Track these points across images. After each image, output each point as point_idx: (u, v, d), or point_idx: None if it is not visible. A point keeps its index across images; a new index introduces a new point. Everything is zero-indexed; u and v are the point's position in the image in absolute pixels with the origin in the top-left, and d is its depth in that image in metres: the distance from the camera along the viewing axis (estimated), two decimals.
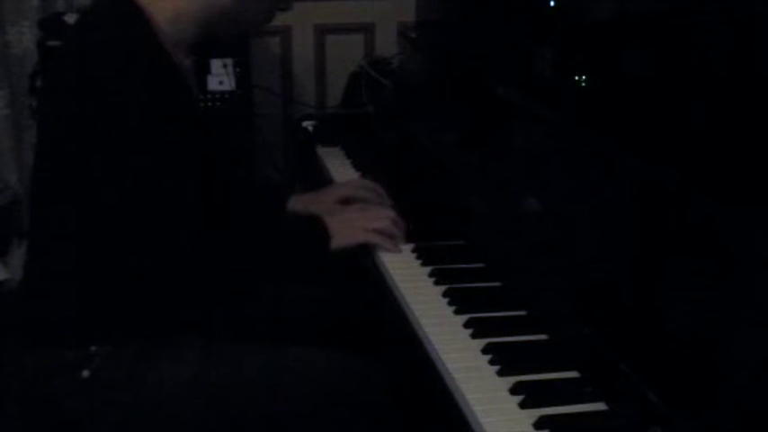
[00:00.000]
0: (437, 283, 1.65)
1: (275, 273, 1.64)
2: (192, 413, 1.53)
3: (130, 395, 1.52)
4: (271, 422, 1.55)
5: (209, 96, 2.89)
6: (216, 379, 1.55)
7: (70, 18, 2.88)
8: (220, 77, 2.89)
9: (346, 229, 1.71)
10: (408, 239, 1.80)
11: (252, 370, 1.57)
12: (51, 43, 2.81)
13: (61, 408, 1.53)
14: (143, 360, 1.54)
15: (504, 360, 1.37)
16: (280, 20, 1.85)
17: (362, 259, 1.77)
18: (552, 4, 1.90)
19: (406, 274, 1.69)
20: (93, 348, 1.52)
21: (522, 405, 1.27)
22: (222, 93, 2.91)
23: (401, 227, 1.79)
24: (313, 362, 1.60)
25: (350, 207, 1.91)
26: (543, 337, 1.47)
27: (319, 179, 2.43)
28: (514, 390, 1.30)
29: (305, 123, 2.77)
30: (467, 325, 1.49)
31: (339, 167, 2.41)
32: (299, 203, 1.96)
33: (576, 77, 1.77)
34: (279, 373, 1.57)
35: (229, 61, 2.89)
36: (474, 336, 1.46)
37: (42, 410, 1.55)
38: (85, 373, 1.52)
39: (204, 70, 2.85)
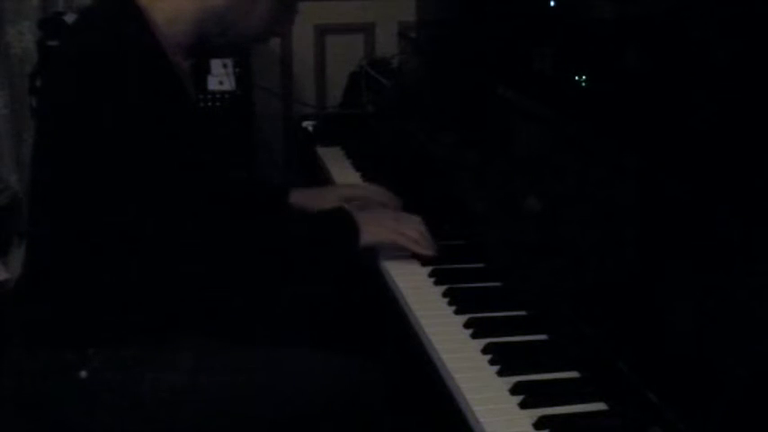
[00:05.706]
0: (437, 283, 1.65)
1: (294, 267, 1.63)
2: (188, 419, 1.53)
3: (127, 399, 1.52)
4: (267, 427, 1.55)
5: (209, 96, 2.89)
6: (212, 385, 1.54)
7: (70, 18, 2.87)
8: (220, 77, 2.89)
9: (378, 227, 1.69)
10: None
11: (248, 375, 1.56)
12: (51, 43, 2.81)
13: (59, 408, 1.53)
14: (140, 365, 1.53)
15: (504, 360, 1.37)
16: None
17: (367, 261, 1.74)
18: (552, 4, 1.90)
19: (406, 274, 1.69)
20: (91, 350, 1.52)
21: (522, 405, 1.26)
22: (222, 93, 2.91)
23: (431, 246, 1.73)
24: (310, 365, 1.59)
25: (379, 208, 1.88)
26: (543, 337, 1.47)
27: (319, 179, 2.43)
28: (514, 390, 1.30)
29: (305, 123, 2.77)
30: (467, 325, 1.49)
31: (339, 167, 2.41)
32: (300, 198, 1.97)
33: (576, 77, 1.77)
34: (275, 377, 1.57)
35: (229, 61, 2.88)
36: (474, 336, 1.46)
37: (40, 411, 1.55)
38: (83, 374, 1.52)
39: (204, 70, 2.85)
